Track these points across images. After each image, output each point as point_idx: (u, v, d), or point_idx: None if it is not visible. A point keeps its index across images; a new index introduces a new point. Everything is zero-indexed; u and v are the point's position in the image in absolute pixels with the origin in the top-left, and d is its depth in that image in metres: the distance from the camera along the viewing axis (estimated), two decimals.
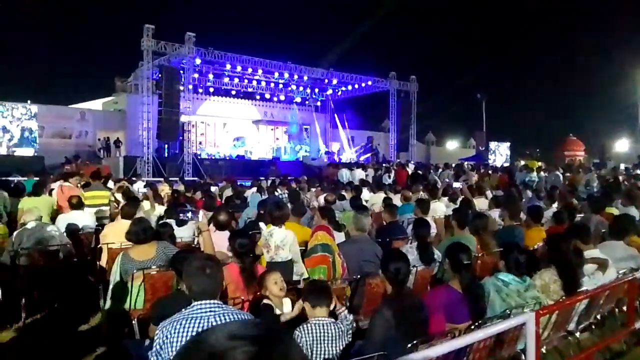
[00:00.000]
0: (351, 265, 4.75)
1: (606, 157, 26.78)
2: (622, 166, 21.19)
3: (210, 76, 27.94)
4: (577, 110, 61.24)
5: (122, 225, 5.23)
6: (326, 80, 28.99)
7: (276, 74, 27.00)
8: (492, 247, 5.33)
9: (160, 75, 20.84)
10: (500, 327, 2.98)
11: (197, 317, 2.34)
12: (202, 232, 4.54)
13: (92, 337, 4.58)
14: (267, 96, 31.77)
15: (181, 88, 21.67)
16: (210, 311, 2.36)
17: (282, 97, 32.34)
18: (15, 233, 5.76)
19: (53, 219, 6.99)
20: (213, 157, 25.67)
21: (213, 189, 11.48)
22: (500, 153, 35.77)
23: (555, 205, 8.29)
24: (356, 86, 30.10)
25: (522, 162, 23.81)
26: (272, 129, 32.51)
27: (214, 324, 2.33)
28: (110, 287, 4.22)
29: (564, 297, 3.74)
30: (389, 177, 17.22)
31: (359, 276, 4.44)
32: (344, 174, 17.12)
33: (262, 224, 5.14)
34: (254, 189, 10.69)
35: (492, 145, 35.96)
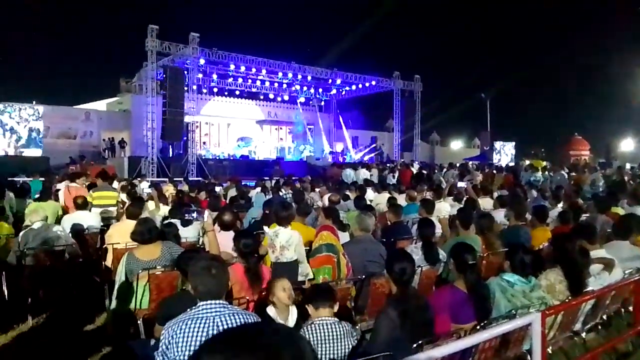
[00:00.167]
0: (355, 266, 4.75)
1: (611, 157, 26.68)
2: (628, 166, 21.10)
3: (214, 76, 28.02)
4: (583, 109, 61.02)
5: (127, 225, 5.24)
6: (330, 80, 29.01)
7: (280, 74, 27.05)
8: (497, 247, 5.31)
9: (164, 76, 20.90)
10: (505, 327, 2.96)
11: (203, 317, 2.34)
12: (208, 232, 4.54)
13: (98, 337, 4.59)
14: (271, 96, 31.82)
15: (185, 88, 21.72)
16: (216, 311, 2.36)
17: (286, 97, 32.38)
18: (21, 233, 5.79)
19: (58, 220, 7.02)
20: (217, 157, 25.73)
21: (217, 189, 11.50)
22: (505, 153, 35.67)
23: (560, 205, 8.26)
24: (360, 86, 30.11)
25: (527, 162, 23.73)
26: (276, 129, 32.54)
27: (220, 324, 2.33)
28: (116, 287, 4.24)
29: (569, 298, 3.72)
30: (393, 177, 17.20)
31: (363, 276, 4.43)
32: (348, 174, 17.11)
33: (265, 228, 5.12)
34: (258, 189, 10.69)
35: (497, 144, 35.86)
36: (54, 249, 5.52)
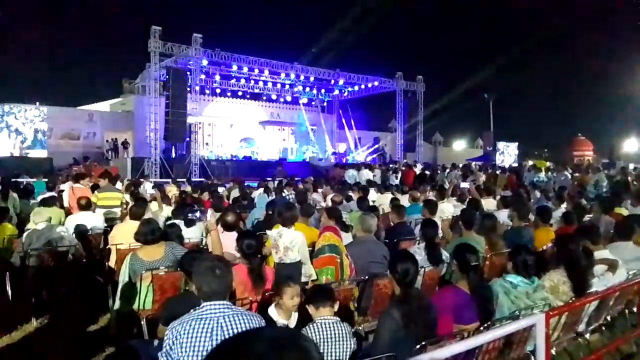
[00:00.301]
0: (358, 267, 4.74)
1: (615, 157, 26.59)
2: (631, 166, 21.05)
3: (217, 77, 28.03)
4: (586, 110, 60.85)
5: (131, 226, 5.26)
6: (332, 81, 28.98)
7: (282, 75, 27.03)
8: (500, 248, 5.30)
9: (167, 77, 20.93)
10: (509, 328, 2.96)
11: (207, 317, 2.34)
12: (210, 232, 4.54)
13: (101, 337, 4.60)
14: (274, 97, 31.82)
15: (188, 89, 21.75)
16: (220, 312, 2.37)
17: (288, 98, 32.38)
18: (25, 234, 5.81)
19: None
20: (220, 158, 25.75)
21: (220, 189, 11.52)
22: (509, 153, 35.61)
23: (564, 205, 8.25)
24: (363, 86, 30.08)
25: (530, 162, 23.68)
26: (279, 130, 32.56)
27: (224, 325, 2.34)
28: (119, 287, 4.25)
29: (573, 298, 3.72)
30: (396, 177, 17.19)
31: (366, 277, 4.43)
32: (351, 175, 17.10)
33: (269, 232, 5.12)
34: (261, 190, 10.70)
35: (501, 145, 35.79)
36: (57, 250, 5.53)
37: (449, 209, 8.34)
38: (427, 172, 18.74)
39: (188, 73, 22.03)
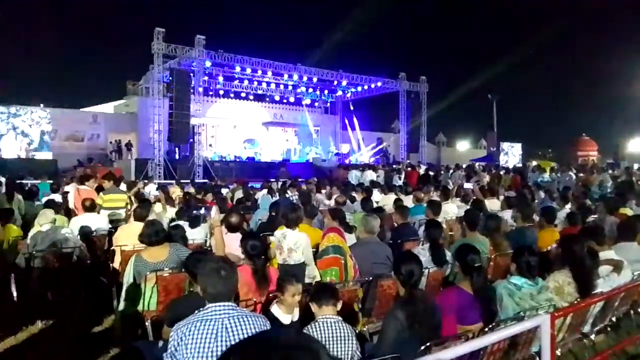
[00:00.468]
0: (362, 268, 4.74)
1: (619, 157, 26.49)
2: (636, 166, 20.95)
3: (220, 78, 28.07)
4: (590, 110, 60.65)
5: (135, 227, 5.27)
6: (336, 82, 28.96)
7: (286, 76, 27.02)
8: (504, 249, 5.29)
9: (170, 78, 20.98)
10: (514, 329, 2.95)
11: (212, 319, 2.34)
12: (214, 228, 4.53)
13: (106, 338, 4.61)
14: (277, 98, 31.84)
15: (191, 90, 21.79)
16: (225, 313, 2.37)
17: (291, 99, 32.38)
18: (30, 235, 5.84)
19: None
20: (223, 159, 25.79)
21: (224, 191, 11.53)
22: (513, 154, 35.52)
23: (568, 206, 8.22)
24: (366, 87, 30.06)
25: (535, 163, 23.61)
26: (282, 131, 32.58)
27: (229, 326, 2.34)
28: (124, 288, 4.26)
29: (578, 299, 3.70)
30: (400, 178, 17.18)
31: (370, 278, 4.43)
32: (354, 176, 17.10)
33: (272, 237, 5.13)
34: (265, 191, 10.71)
35: (505, 145, 35.71)
36: (62, 251, 5.56)
37: (452, 209, 8.33)
38: (431, 173, 18.71)
39: (191, 74, 22.08)
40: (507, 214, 7.31)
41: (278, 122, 32.01)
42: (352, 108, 32.55)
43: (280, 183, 13.14)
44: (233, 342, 2.29)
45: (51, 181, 11.67)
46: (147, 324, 3.87)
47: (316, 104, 33.94)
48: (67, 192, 9.11)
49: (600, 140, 38.83)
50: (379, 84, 28.98)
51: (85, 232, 6.47)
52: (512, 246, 5.17)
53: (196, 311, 2.44)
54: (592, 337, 3.99)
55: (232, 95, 30.00)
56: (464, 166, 19.24)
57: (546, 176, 15.41)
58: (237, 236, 4.70)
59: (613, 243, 5.02)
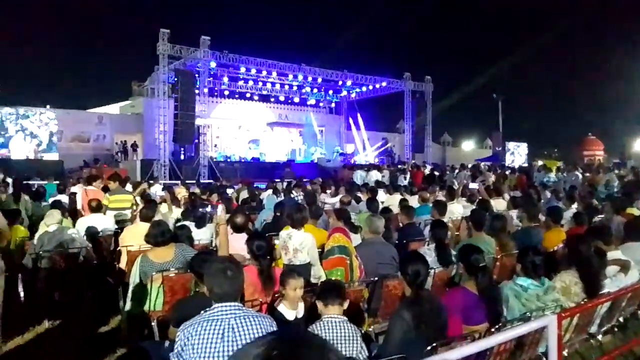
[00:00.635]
0: (367, 268, 4.74)
1: (626, 157, 26.33)
2: None
3: (225, 79, 28.13)
4: (596, 109, 60.35)
5: (141, 227, 5.29)
6: (340, 82, 28.94)
7: (290, 76, 27.03)
8: (510, 249, 5.27)
9: (176, 79, 21.04)
10: (521, 329, 2.94)
11: (219, 319, 2.35)
12: (219, 226, 4.54)
13: (112, 339, 4.63)
14: (282, 98, 31.87)
15: (196, 91, 21.85)
16: (231, 313, 2.37)
17: (296, 99, 32.40)
18: (36, 236, 5.87)
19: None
20: (228, 160, 25.84)
21: (229, 191, 11.55)
22: (519, 154, 35.39)
23: (574, 206, 8.18)
24: (371, 87, 30.04)
25: (540, 163, 23.51)
26: (287, 131, 32.60)
27: (235, 326, 2.34)
28: (130, 289, 4.27)
29: (585, 300, 3.68)
30: (405, 178, 17.14)
31: (376, 278, 4.42)
32: (359, 176, 17.08)
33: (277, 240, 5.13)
34: (270, 191, 10.72)
35: (511, 145, 35.56)
36: (69, 252, 5.58)
37: (458, 209, 8.30)
38: (436, 173, 18.67)
39: (196, 75, 22.14)
40: (513, 214, 7.29)
41: (283, 122, 32.03)
42: (357, 111, 32.55)
43: (285, 183, 13.16)
44: (239, 342, 2.30)
45: (57, 182, 11.73)
46: (153, 324, 3.88)
47: (321, 104, 33.93)
48: (74, 193, 9.16)
49: (607, 140, 38.68)
50: (384, 84, 28.94)
51: (91, 233, 6.50)
52: (518, 246, 5.15)
53: (202, 311, 2.45)
54: (599, 337, 3.97)
55: (237, 95, 30.06)
56: (470, 166, 19.15)
57: (552, 176, 15.34)
58: (243, 236, 4.71)
59: (620, 243, 4.99)
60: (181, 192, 10.56)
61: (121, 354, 4.26)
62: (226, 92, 29.55)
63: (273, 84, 29.60)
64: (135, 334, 4.25)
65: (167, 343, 3.29)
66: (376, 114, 36.13)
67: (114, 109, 30.81)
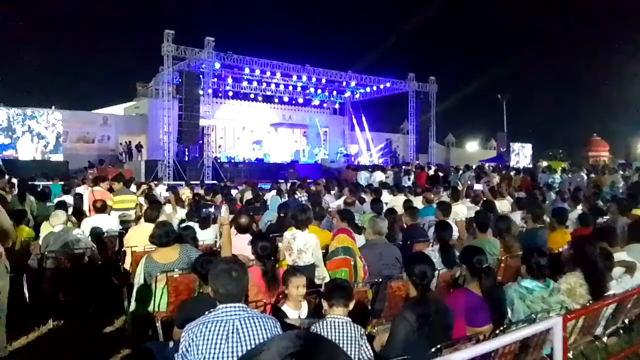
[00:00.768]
0: (371, 269, 4.73)
1: (631, 158, 26.19)
2: None
3: (229, 80, 28.17)
4: (601, 109, 60.11)
5: (145, 228, 5.30)
6: (344, 83, 28.94)
7: (294, 77, 27.04)
8: (515, 250, 5.25)
9: (180, 80, 21.10)
10: (526, 331, 2.93)
11: (223, 320, 2.35)
12: (223, 226, 4.54)
13: (117, 339, 4.65)
14: (286, 99, 31.88)
15: (201, 92, 21.90)
16: (236, 314, 2.38)
17: (300, 100, 32.41)
18: (42, 237, 5.89)
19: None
20: (232, 161, 25.88)
21: (233, 192, 11.56)
22: (524, 154, 35.27)
23: (580, 207, 8.14)
24: (375, 88, 30.03)
25: (545, 163, 23.43)
26: (291, 132, 32.62)
27: (239, 327, 2.34)
28: (134, 289, 4.28)
29: (590, 301, 3.67)
30: (409, 179, 17.11)
31: (380, 279, 4.41)
32: (363, 177, 17.06)
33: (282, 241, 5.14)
34: (274, 192, 10.72)
35: (516, 146, 35.46)
36: (74, 252, 5.60)
37: (462, 210, 8.28)
38: (440, 174, 18.62)
39: (201, 76, 22.19)
40: (518, 215, 7.26)
41: (287, 123, 32.05)
42: (360, 111, 32.54)
43: (289, 184, 13.16)
44: (244, 343, 2.30)
45: (62, 183, 11.78)
46: (157, 324, 3.88)
47: (325, 104, 33.93)
48: (78, 194, 9.19)
49: (612, 141, 38.53)
50: (388, 84, 28.93)
51: (96, 233, 6.52)
52: (522, 248, 5.13)
53: (207, 312, 2.45)
54: (605, 339, 3.95)
55: (241, 96, 30.09)
56: (474, 167, 19.11)
57: (557, 177, 15.28)
58: (247, 237, 4.72)
59: (625, 244, 4.97)
60: (185, 193, 10.59)
61: (125, 355, 4.27)
62: (230, 93, 29.59)
63: (277, 84, 29.62)
64: (140, 335, 4.25)
65: (171, 344, 3.29)
66: (380, 115, 36.13)
67: (118, 109, 30.90)
